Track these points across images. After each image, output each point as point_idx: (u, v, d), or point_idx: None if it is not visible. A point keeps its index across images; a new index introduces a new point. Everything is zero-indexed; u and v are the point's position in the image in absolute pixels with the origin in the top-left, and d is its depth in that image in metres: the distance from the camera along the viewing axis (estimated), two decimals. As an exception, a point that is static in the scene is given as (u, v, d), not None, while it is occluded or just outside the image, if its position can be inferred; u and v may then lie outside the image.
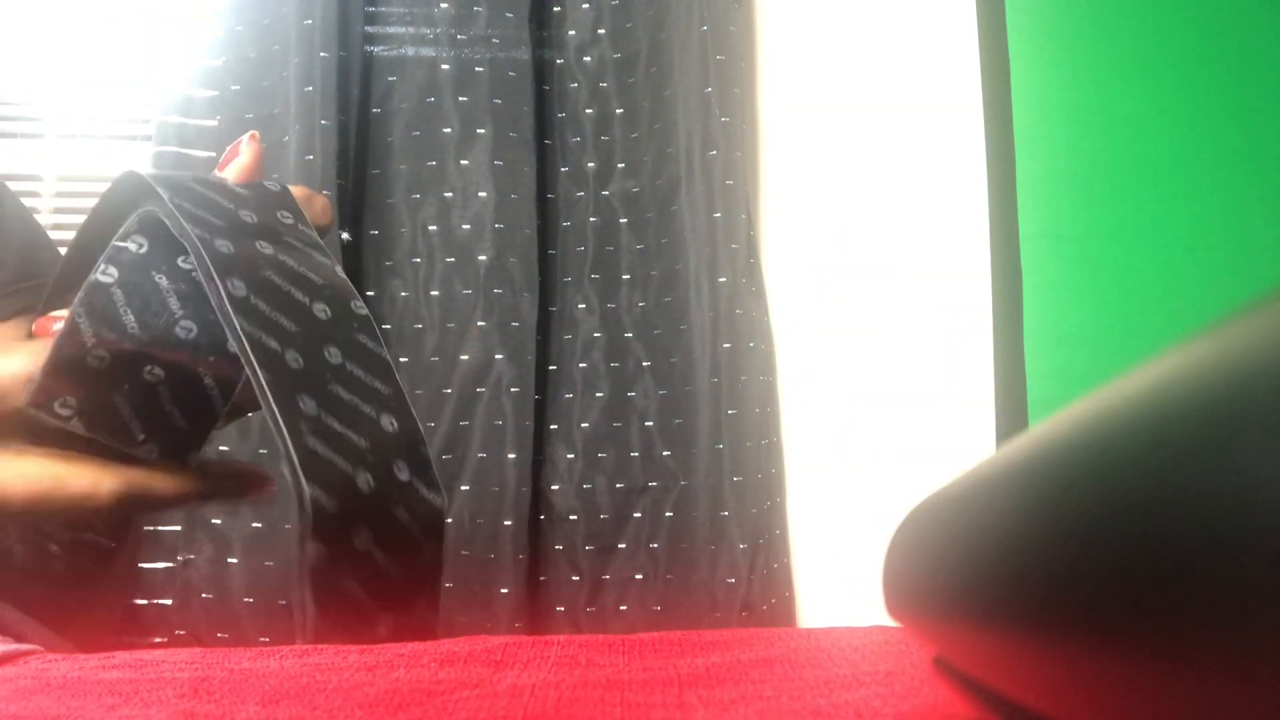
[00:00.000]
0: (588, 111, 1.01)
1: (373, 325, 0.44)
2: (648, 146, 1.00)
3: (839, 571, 0.97)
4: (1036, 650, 0.16)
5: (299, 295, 0.41)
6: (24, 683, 0.37)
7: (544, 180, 1.00)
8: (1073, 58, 1.03)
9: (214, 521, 0.91)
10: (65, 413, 0.39)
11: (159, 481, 0.42)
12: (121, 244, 0.40)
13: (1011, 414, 0.97)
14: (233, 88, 0.98)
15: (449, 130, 0.98)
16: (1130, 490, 0.12)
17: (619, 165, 1.00)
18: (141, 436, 0.41)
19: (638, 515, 0.95)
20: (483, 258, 0.95)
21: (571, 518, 0.95)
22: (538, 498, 0.95)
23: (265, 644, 0.87)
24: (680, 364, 0.96)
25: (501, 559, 0.90)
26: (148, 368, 0.40)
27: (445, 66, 0.98)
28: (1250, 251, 0.99)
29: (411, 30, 1.00)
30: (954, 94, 1.04)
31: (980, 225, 1.02)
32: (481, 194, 0.96)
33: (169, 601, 0.91)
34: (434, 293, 0.96)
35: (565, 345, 0.99)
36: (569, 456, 0.96)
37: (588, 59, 1.02)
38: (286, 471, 0.38)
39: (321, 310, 0.41)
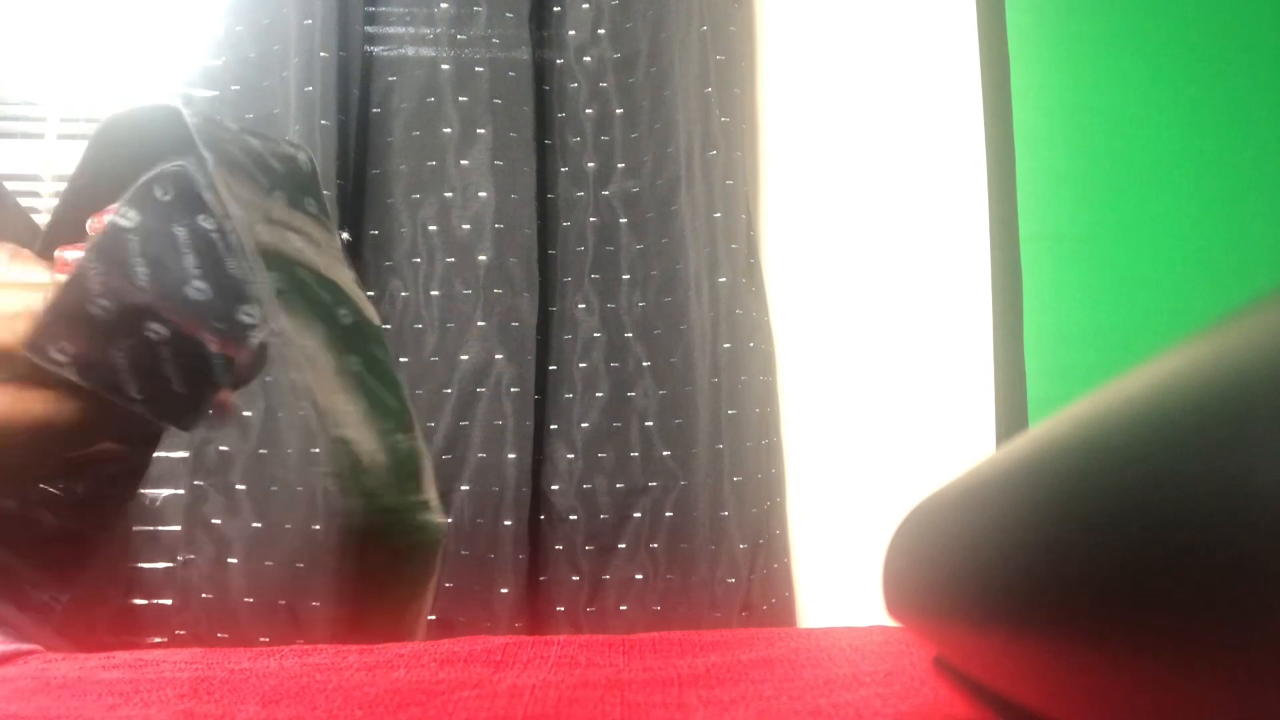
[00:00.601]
0: (588, 111, 1.01)
1: (382, 336, 0.43)
2: (648, 146, 1.00)
3: (839, 571, 0.97)
4: (1036, 650, 0.16)
5: (325, 296, 0.40)
6: (24, 683, 0.37)
7: (544, 180, 1.00)
8: (1073, 58, 1.03)
9: (214, 521, 0.91)
10: (60, 359, 0.38)
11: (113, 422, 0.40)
12: (147, 188, 0.39)
13: (1011, 414, 0.97)
14: (233, 88, 0.98)
15: (449, 130, 0.98)
16: (1130, 490, 0.12)
17: (619, 165, 1.00)
18: (136, 394, 0.39)
19: (638, 515, 0.95)
20: (483, 258, 0.95)
21: (571, 518, 0.95)
22: (538, 498, 0.95)
23: (265, 644, 0.87)
24: (680, 364, 0.96)
25: (501, 559, 0.90)
26: (152, 325, 0.39)
27: (445, 66, 0.98)
28: (1250, 251, 0.99)
29: (411, 30, 1.00)
30: (954, 94, 1.04)
31: (980, 225, 1.02)
32: (481, 194, 0.96)
33: (169, 601, 0.91)
34: (434, 293, 0.96)
35: (565, 345, 0.99)
36: (569, 456, 0.96)
37: (588, 59, 1.02)
38: (327, 478, 0.37)
39: (346, 315, 0.40)
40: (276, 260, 0.39)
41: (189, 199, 0.39)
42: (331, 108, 0.94)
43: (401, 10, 1.01)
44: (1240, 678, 0.10)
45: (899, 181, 1.03)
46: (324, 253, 0.42)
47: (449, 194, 0.97)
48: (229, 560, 0.90)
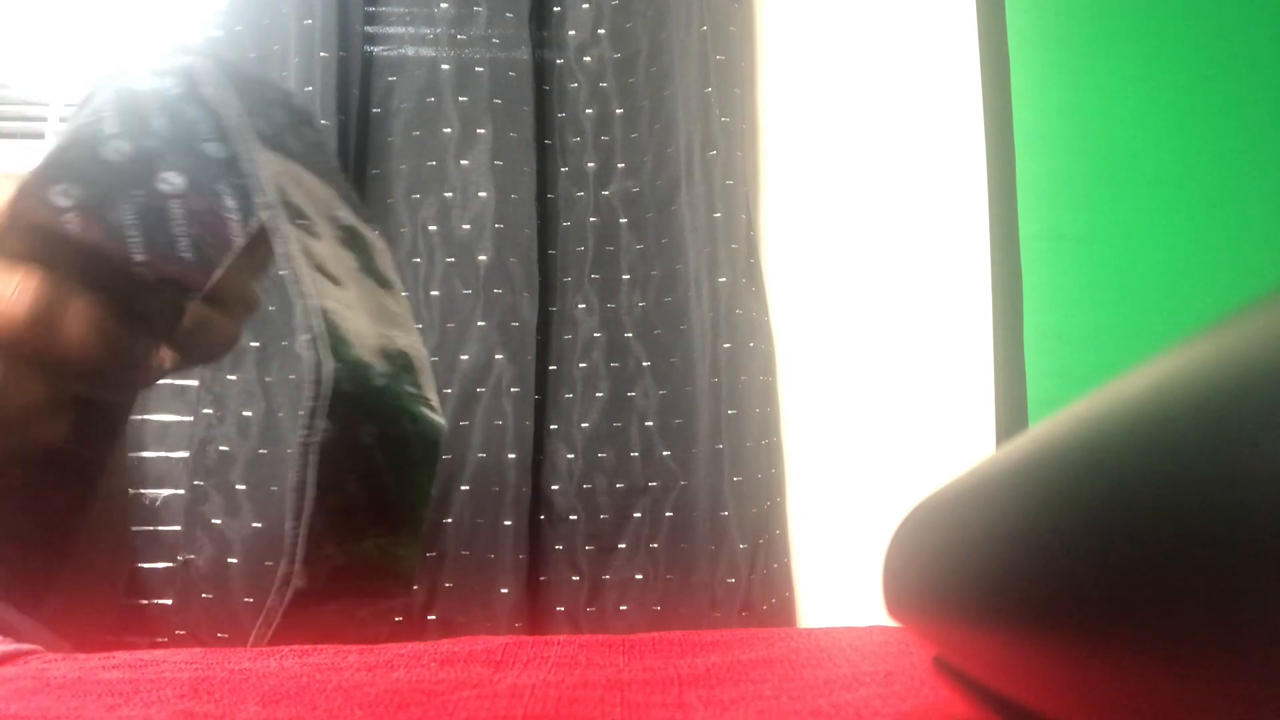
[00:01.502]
0: (588, 111, 1.01)
1: (386, 252, 0.42)
2: (648, 146, 1.00)
3: (839, 571, 0.97)
4: (1036, 650, 0.16)
5: (322, 196, 0.39)
6: (24, 683, 0.37)
7: (544, 180, 1.00)
8: (1073, 58, 1.03)
9: (214, 521, 0.91)
10: (64, 202, 0.35)
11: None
12: (159, 73, 0.37)
13: (1011, 414, 0.97)
14: (233, 88, 0.98)
15: (449, 130, 0.98)
16: (1130, 490, 0.12)
17: (619, 165, 1.00)
18: (140, 255, 0.36)
19: (638, 515, 0.95)
20: (483, 258, 0.95)
21: (571, 518, 0.95)
22: (538, 498, 0.95)
23: (265, 644, 0.87)
24: (680, 364, 0.96)
25: (501, 559, 0.90)
26: (166, 174, 0.36)
27: (445, 66, 0.98)
28: (1250, 251, 0.99)
29: (411, 30, 1.00)
30: (954, 94, 1.04)
31: (980, 225, 1.02)
32: (481, 194, 0.96)
33: (169, 601, 0.91)
34: (434, 293, 0.96)
35: (565, 345, 0.99)
36: (569, 456, 0.96)
37: (588, 59, 1.02)
38: (306, 343, 0.34)
39: (344, 217, 0.40)
40: (273, 155, 0.37)
41: (194, 94, 0.37)
42: (331, 108, 0.94)
43: (401, 10, 1.01)
44: (1241, 678, 0.10)
45: (899, 181, 1.03)
46: (323, 171, 0.41)
47: (449, 194, 0.97)
48: (229, 560, 0.90)
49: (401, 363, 0.40)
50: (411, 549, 0.43)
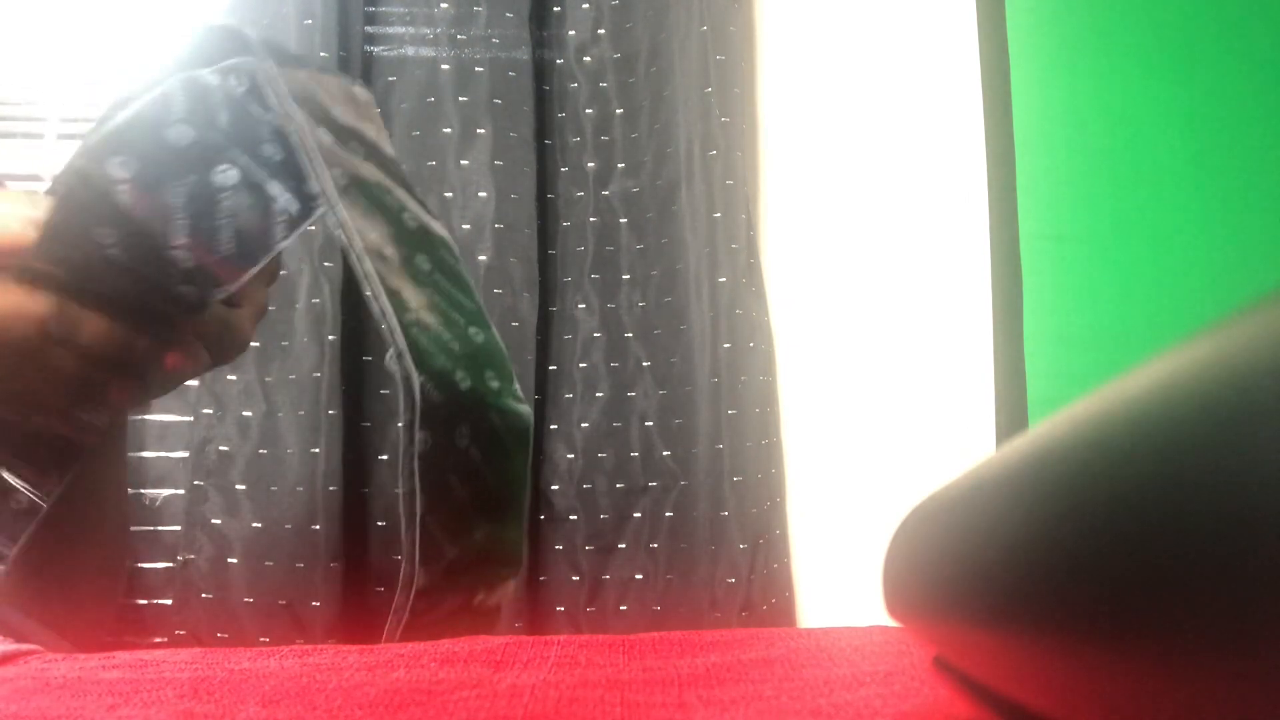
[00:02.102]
0: (588, 111, 1.01)
1: (451, 244, 0.44)
2: (648, 146, 1.00)
3: (839, 571, 0.97)
4: (1036, 650, 0.16)
5: (389, 200, 0.41)
6: (24, 683, 0.37)
7: (544, 180, 1.00)
8: (1073, 58, 1.03)
9: (214, 521, 0.91)
10: (121, 173, 0.36)
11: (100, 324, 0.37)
12: (223, 73, 0.38)
13: (1011, 414, 0.97)
14: (233, 88, 0.98)
15: (449, 130, 0.98)
16: (1130, 490, 0.12)
17: (619, 165, 1.00)
18: (183, 239, 0.37)
19: (638, 515, 0.95)
20: (483, 258, 0.95)
21: (571, 518, 0.95)
22: (538, 498, 0.95)
23: (265, 644, 0.87)
24: (680, 364, 0.96)
25: (501, 559, 0.90)
26: (223, 166, 0.37)
27: (445, 66, 0.98)
28: (1250, 251, 0.99)
29: (411, 30, 1.00)
30: (954, 94, 1.04)
31: (980, 225, 1.02)
32: (481, 194, 0.96)
33: (169, 601, 0.91)
34: (434, 293, 0.96)
35: (565, 345, 0.99)
36: (569, 456, 0.96)
37: (588, 59, 1.02)
38: (393, 360, 0.37)
39: (410, 219, 0.41)
40: (337, 161, 0.39)
41: (259, 95, 0.38)
42: (331, 108, 0.94)
43: (401, 10, 1.01)
44: (1241, 678, 0.10)
45: (899, 181, 1.03)
46: (386, 168, 0.43)
47: (449, 194, 0.97)
48: (229, 560, 0.90)
49: (482, 360, 0.42)
50: (517, 531, 0.46)
